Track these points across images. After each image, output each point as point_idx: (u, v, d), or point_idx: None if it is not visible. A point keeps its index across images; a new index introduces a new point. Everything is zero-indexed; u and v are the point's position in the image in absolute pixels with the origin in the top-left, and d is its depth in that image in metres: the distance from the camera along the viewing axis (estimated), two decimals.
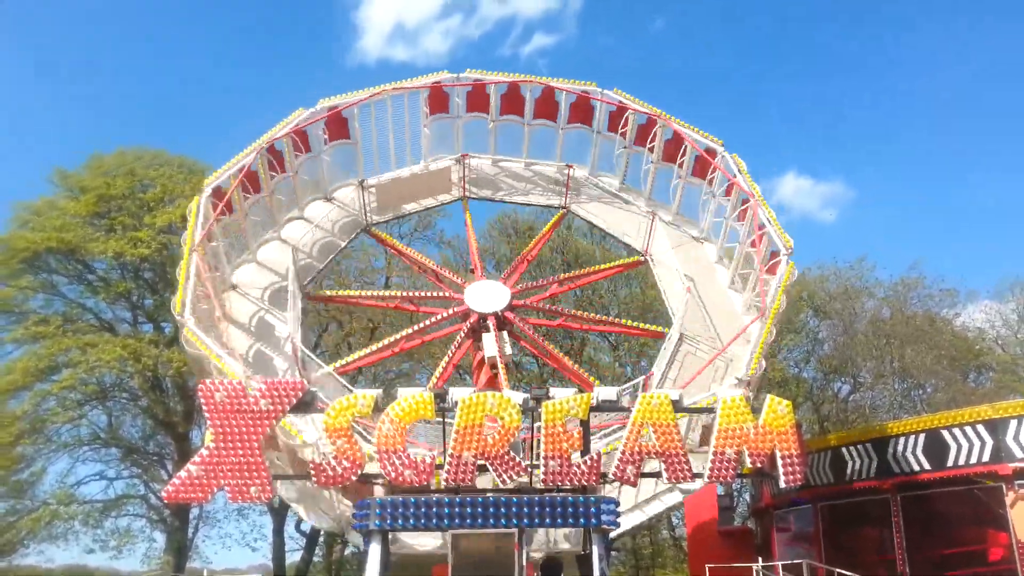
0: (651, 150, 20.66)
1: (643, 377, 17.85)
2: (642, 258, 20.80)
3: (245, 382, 13.45)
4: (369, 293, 21.36)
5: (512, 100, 20.84)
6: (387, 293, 21.06)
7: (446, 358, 18.86)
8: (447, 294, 20.07)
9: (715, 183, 19.97)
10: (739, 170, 19.02)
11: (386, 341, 20.14)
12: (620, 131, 20.75)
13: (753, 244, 18.51)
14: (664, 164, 20.87)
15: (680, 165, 20.38)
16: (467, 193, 21.60)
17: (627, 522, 16.61)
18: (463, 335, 18.84)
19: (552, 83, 20.53)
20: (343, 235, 20.85)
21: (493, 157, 22.02)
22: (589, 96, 20.43)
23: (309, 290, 19.80)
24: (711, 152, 19.77)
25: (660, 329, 20.51)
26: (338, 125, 20.06)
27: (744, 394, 14.82)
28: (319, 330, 34.50)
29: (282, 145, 19.22)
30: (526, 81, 20.53)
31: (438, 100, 20.69)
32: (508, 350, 18.77)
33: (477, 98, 20.83)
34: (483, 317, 18.67)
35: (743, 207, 18.90)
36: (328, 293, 22.04)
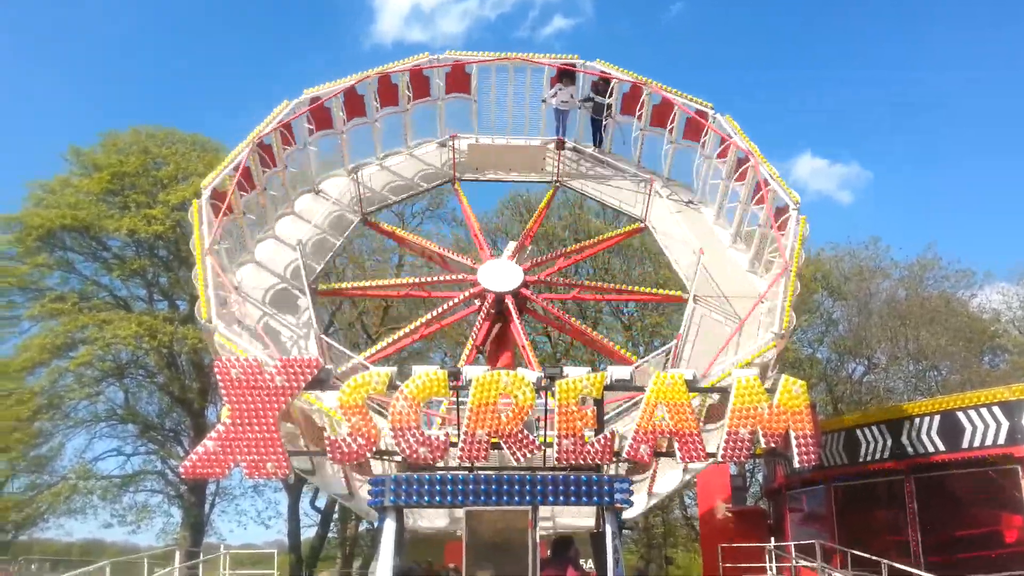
0: (639, 118, 20.47)
1: (672, 343, 17.84)
2: (642, 224, 20.75)
3: None
4: (379, 282, 21.04)
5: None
6: (398, 281, 20.77)
7: (470, 341, 18.67)
8: (459, 277, 20.00)
9: (708, 145, 19.85)
10: (734, 130, 18.89)
11: (405, 330, 19.92)
12: (608, 98, 20.48)
13: (759, 202, 18.44)
14: (652, 130, 20.66)
15: (670, 131, 20.19)
16: (457, 175, 21.32)
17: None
18: (482, 317, 18.74)
19: (534, 58, 20.29)
20: (339, 232, 19.97)
21: (477, 136, 21.67)
22: (572, 68, 20.25)
23: (315, 286, 18.86)
24: (702, 114, 19.60)
25: (676, 293, 20.31)
26: (390, 92, 19.97)
27: (779, 351, 14.97)
28: (332, 307, 34.62)
29: (331, 104, 19.13)
30: (506, 59, 20.25)
31: (418, 83, 20.25)
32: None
33: (456, 77, 20.49)
34: (500, 297, 18.60)
35: (742, 167, 18.83)
36: (339, 286, 21.75)
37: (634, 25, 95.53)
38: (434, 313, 19.49)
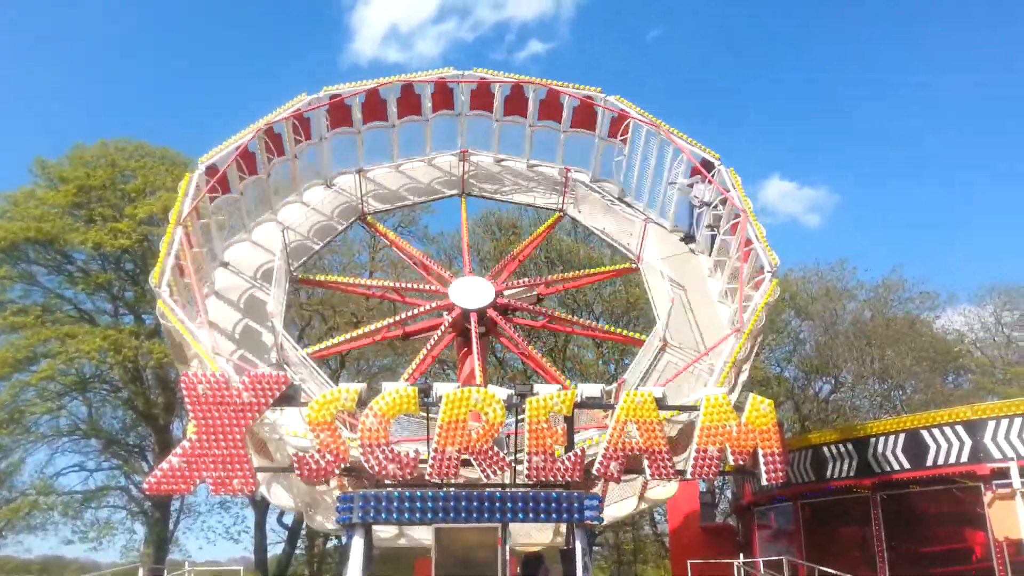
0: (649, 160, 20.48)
1: (616, 384, 17.82)
2: (634, 265, 20.72)
3: (212, 356, 13.47)
4: (356, 280, 21.09)
5: (516, 101, 20.68)
6: (375, 282, 20.92)
7: (424, 350, 18.82)
8: (434, 287, 20.00)
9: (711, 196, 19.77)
10: (734, 184, 18.89)
11: (366, 329, 20.06)
12: (620, 138, 20.60)
13: (742, 260, 18.20)
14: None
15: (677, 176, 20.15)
16: (467, 189, 21.50)
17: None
18: (443, 329, 18.79)
19: (556, 86, 20.40)
20: (339, 220, 20.62)
21: (495, 156, 21.90)
22: (593, 102, 20.34)
23: (297, 274, 19.60)
24: (707, 165, 19.63)
25: (640, 337, 20.20)
26: (341, 113, 19.86)
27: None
28: (302, 324, 34.35)
29: (281, 128, 18.99)
30: (530, 82, 20.39)
31: (442, 96, 20.54)
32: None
33: (481, 97, 20.65)
34: (466, 313, 18.61)
35: (735, 221, 18.67)
36: (317, 277, 21.79)
37: (610, 48, 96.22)
38: (397, 318, 19.59)
